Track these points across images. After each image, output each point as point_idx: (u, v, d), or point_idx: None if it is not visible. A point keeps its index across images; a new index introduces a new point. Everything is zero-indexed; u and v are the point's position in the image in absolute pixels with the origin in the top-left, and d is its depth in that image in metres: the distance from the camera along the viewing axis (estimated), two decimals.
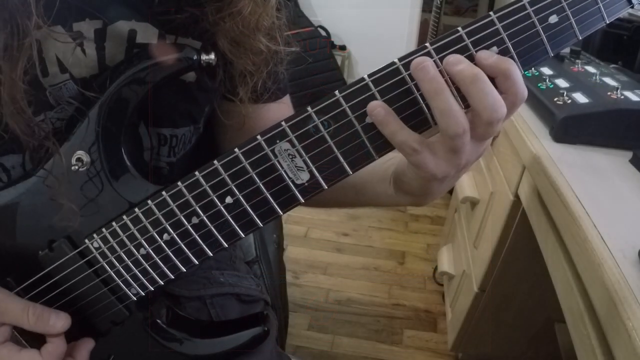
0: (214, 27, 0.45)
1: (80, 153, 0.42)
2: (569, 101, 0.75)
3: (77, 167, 0.42)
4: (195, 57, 0.41)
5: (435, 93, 0.34)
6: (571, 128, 0.72)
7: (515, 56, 0.35)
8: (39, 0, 0.38)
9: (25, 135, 0.40)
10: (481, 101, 0.33)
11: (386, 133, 0.36)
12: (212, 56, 0.42)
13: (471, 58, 0.34)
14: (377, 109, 0.35)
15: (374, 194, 0.50)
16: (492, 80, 0.34)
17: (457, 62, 0.34)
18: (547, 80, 0.85)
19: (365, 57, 2.75)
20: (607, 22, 0.35)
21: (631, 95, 0.74)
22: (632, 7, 0.34)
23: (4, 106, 0.38)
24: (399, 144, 0.36)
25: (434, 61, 0.34)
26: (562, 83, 0.83)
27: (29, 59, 0.38)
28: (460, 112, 0.34)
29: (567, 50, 1.03)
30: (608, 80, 0.82)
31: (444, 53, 0.34)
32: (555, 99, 0.76)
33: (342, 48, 2.73)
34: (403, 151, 0.36)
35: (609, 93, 0.75)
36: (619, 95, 0.74)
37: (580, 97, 0.75)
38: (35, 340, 0.43)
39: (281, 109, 0.57)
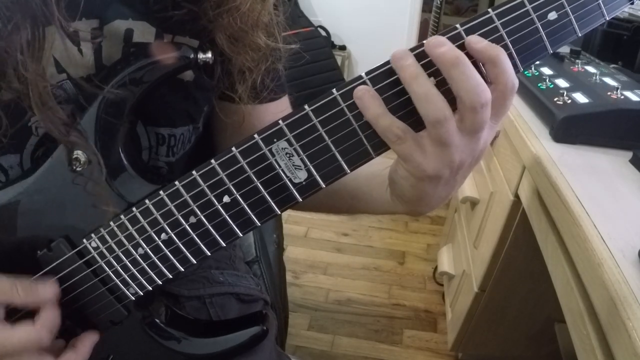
0: (212, 23, 0.45)
1: (78, 152, 0.41)
2: (569, 101, 0.74)
3: (74, 167, 0.42)
4: (192, 56, 0.41)
5: (412, 78, 0.34)
6: (571, 128, 0.71)
7: (515, 53, 0.35)
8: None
9: (61, 134, 0.40)
10: (462, 85, 0.33)
11: (369, 117, 0.36)
12: (209, 55, 0.42)
13: (469, 57, 0.34)
14: (361, 91, 0.35)
15: (370, 199, 0.50)
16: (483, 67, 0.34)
17: (440, 45, 0.33)
18: (547, 80, 0.85)
19: (365, 57, 2.76)
20: (607, 18, 0.34)
21: (631, 95, 0.74)
22: (632, 4, 0.34)
23: (35, 108, 0.38)
24: (382, 129, 0.36)
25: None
26: (562, 83, 0.83)
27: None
28: (440, 97, 0.34)
29: (567, 50, 1.03)
30: (608, 80, 0.81)
31: None
32: (555, 99, 0.76)
33: (342, 48, 2.74)
34: (387, 138, 0.36)
35: (609, 93, 0.75)
36: (619, 95, 0.73)
37: (580, 97, 0.75)
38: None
39: (280, 108, 0.57)
